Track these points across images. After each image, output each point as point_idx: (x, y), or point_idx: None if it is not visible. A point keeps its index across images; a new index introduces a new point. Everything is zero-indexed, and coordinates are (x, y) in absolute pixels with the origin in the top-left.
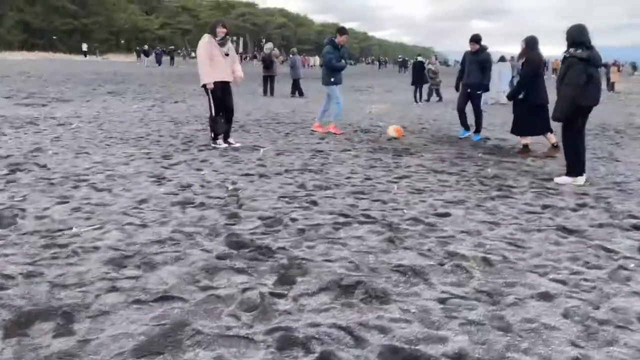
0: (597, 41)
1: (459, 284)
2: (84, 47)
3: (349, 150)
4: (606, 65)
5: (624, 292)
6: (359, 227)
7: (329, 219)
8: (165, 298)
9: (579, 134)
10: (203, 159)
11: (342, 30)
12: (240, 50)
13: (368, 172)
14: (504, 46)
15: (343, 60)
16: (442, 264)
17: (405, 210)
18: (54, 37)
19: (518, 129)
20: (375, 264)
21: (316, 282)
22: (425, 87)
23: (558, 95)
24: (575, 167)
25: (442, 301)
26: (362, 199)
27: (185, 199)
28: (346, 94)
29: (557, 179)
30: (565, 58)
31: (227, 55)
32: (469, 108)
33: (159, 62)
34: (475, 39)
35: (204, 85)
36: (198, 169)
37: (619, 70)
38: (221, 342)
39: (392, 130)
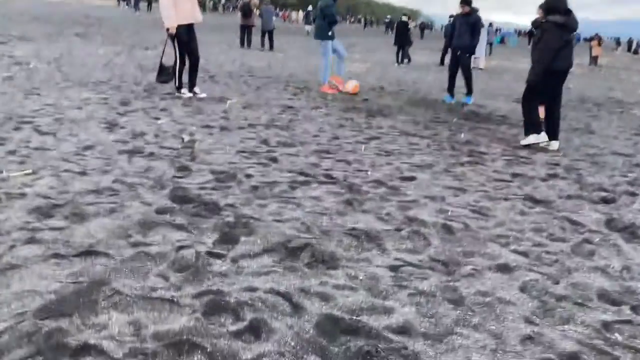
0: (580, 14)
1: (414, 251)
2: None
3: (321, 107)
4: (590, 39)
5: (585, 267)
6: (318, 187)
7: (287, 178)
8: (88, 253)
9: (539, 97)
10: (163, 108)
11: None
12: (223, 0)
13: (337, 131)
14: (491, 14)
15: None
16: (399, 229)
17: (369, 172)
18: None
19: None
20: (328, 226)
21: (261, 243)
22: (409, 49)
23: (532, 60)
24: (532, 126)
25: (393, 269)
26: (326, 158)
27: (135, 148)
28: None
29: (522, 141)
30: (541, 23)
31: None
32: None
33: (136, 6)
34: (467, 1)
35: (168, 29)
36: (155, 118)
37: (599, 44)
38: (141, 305)
39: (349, 86)
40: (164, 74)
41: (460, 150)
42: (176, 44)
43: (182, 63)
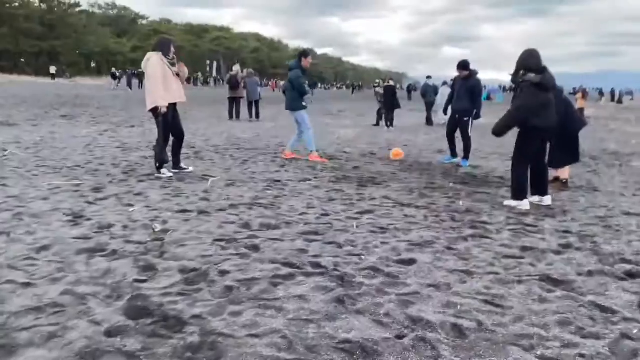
0: (560, 69)
1: None
2: (52, 69)
3: (309, 179)
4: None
5: None
6: (304, 281)
7: (269, 271)
8: None
9: (527, 159)
10: (139, 192)
11: (306, 53)
12: (214, 74)
13: (326, 206)
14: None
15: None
16: (401, 337)
17: (363, 257)
18: (22, 60)
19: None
20: (314, 339)
21: None
22: (397, 112)
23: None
24: (515, 190)
25: None
26: (314, 241)
27: (97, 245)
28: (316, 117)
29: (505, 202)
30: (519, 83)
31: (177, 75)
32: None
33: (129, 84)
34: (464, 66)
35: (154, 109)
36: (128, 204)
37: (583, 97)
38: None
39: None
40: (163, 155)
41: (461, 221)
42: (162, 122)
43: (166, 142)
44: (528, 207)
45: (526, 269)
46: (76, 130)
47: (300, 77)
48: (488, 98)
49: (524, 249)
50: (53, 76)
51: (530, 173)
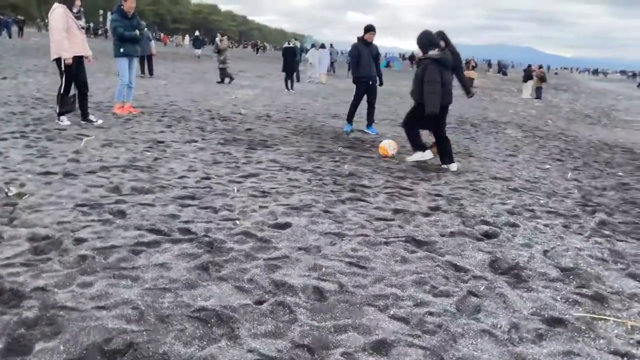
0: (458, 40)
1: (274, 334)
2: None
3: (196, 141)
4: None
5: (472, 330)
6: (169, 248)
7: (131, 238)
8: None
9: (417, 123)
10: None
11: None
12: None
13: (209, 169)
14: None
15: (137, 31)
16: (260, 302)
17: (238, 221)
18: None
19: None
20: (169, 308)
21: (64, 349)
22: (297, 74)
23: (423, 94)
24: (417, 146)
25: None
26: (189, 205)
27: None
28: (214, 76)
29: (408, 158)
30: (420, 60)
31: (83, 28)
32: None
33: (8, 33)
34: (374, 29)
35: (58, 59)
36: None
37: (472, 68)
38: None
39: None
40: (66, 103)
41: (342, 185)
42: (64, 74)
43: (67, 92)
44: (431, 156)
45: (394, 231)
46: None
47: (117, 20)
48: (387, 65)
49: (396, 211)
50: None
51: (436, 145)
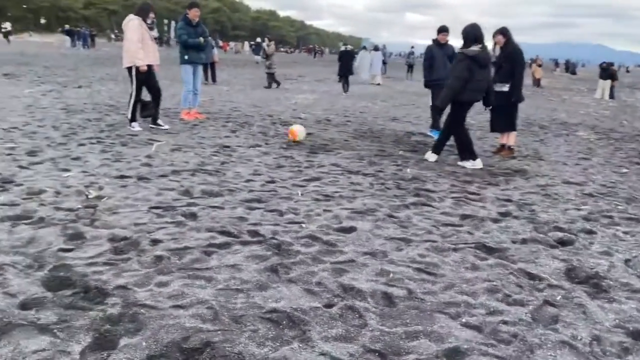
0: (519, 38)
1: (345, 338)
2: (8, 26)
3: (260, 145)
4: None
5: (550, 341)
6: (240, 250)
7: (204, 240)
8: None
9: (460, 125)
10: (77, 156)
11: (190, 5)
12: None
13: (273, 173)
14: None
15: (202, 38)
16: (330, 305)
17: (303, 225)
18: None
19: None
20: (242, 309)
21: (146, 346)
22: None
23: (445, 87)
24: (464, 152)
25: None
26: (256, 208)
27: (24, 212)
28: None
29: (459, 163)
30: (456, 54)
31: (155, 39)
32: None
33: (85, 44)
34: (447, 29)
35: (131, 68)
36: (64, 169)
37: (539, 66)
38: None
39: (295, 133)
40: (147, 108)
41: (405, 189)
42: (135, 81)
43: (138, 98)
44: (481, 165)
45: (463, 237)
46: (17, 90)
47: (182, 28)
48: None
49: (464, 217)
50: (6, 33)
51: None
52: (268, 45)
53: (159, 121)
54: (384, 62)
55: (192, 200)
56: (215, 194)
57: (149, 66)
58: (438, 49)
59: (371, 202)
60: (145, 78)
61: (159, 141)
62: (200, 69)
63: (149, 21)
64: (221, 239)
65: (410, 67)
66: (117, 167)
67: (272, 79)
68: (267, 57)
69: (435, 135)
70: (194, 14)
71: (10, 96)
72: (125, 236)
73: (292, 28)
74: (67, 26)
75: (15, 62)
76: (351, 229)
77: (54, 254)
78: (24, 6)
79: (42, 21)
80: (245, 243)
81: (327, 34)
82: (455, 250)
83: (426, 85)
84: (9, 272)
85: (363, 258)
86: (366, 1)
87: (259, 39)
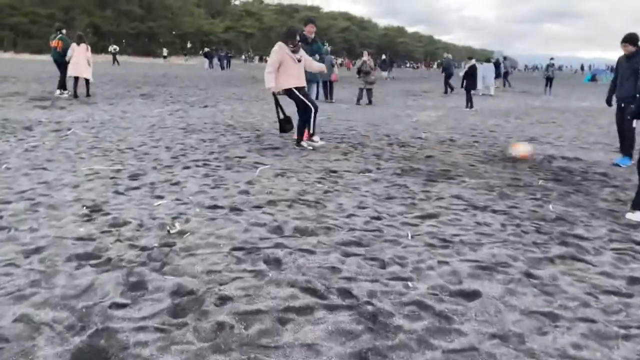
0: None
1: None
2: (165, 51)
3: (370, 171)
4: None
5: None
6: (323, 318)
7: (282, 299)
8: None
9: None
10: (178, 181)
11: (305, 21)
12: None
13: (381, 206)
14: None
15: (317, 56)
16: None
17: (410, 284)
18: (123, 41)
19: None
20: None
21: None
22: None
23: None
24: None
25: None
26: (353, 255)
27: (95, 250)
28: (398, 99)
29: (629, 215)
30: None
31: (299, 61)
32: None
33: (222, 65)
34: (632, 40)
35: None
36: (158, 197)
37: None
38: None
39: (519, 149)
40: (288, 123)
41: (548, 234)
42: (274, 101)
43: (278, 117)
44: None
45: (635, 315)
46: (147, 110)
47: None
48: (592, 79)
49: (633, 280)
50: (165, 57)
51: None
52: (367, 60)
53: (315, 137)
54: (506, 74)
55: (280, 240)
56: (309, 233)
57: (298, 88)
58: (623, 60)
59: (502, 253)
60: (292, 98)
61: (264, 164)
62: (314, 87)
63: (292, 45)
64: (303, 300)
65: (549, 80)
66: (213, 194)
67: (370, 95)
68: (366, 73)
69: (624, 165)
70: (309, 30)
71: (139, 116)
72: (192, 290)
73: (420, 43)
74: (206, 49)
75: (154, 84)
76: (474, 295)
77: (103, 312)
78: (173, 32)
79: (189, 45)
80: (331, 308)
81: (456, 48)
82: (626, 338)
83: (607, 102)
84: (43, 335)
85: (490, 344)
86: (499, 12)
87: (384, 56)
